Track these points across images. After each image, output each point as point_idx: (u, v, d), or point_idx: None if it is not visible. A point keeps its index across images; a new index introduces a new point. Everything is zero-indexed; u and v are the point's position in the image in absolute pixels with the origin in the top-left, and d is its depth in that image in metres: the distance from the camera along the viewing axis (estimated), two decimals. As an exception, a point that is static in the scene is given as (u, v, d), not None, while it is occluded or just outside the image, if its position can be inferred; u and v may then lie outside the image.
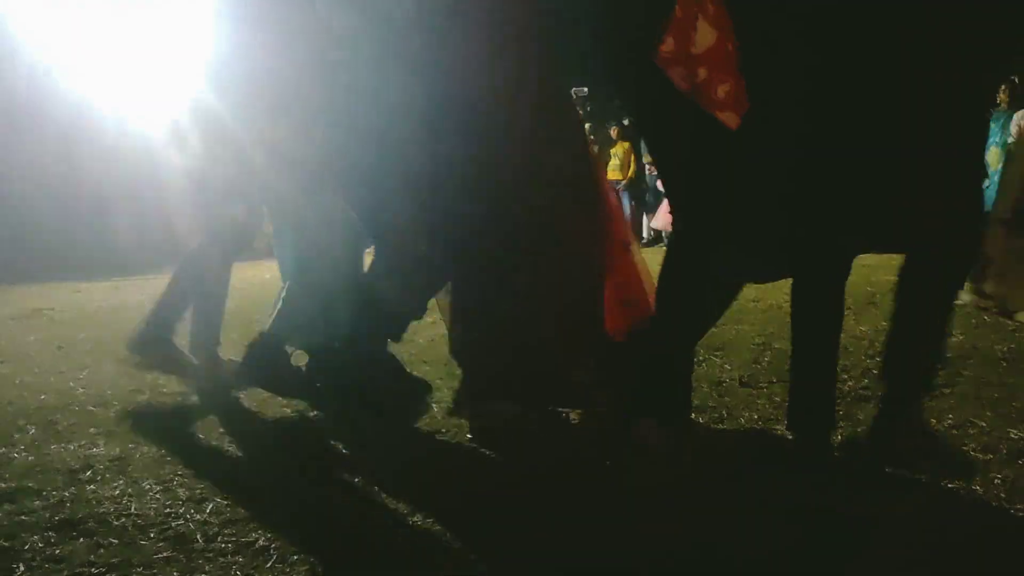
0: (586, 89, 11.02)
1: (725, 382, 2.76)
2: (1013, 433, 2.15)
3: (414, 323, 2.54)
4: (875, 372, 2.77)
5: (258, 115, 2.41)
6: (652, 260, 2.30)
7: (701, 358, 3.13)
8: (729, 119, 1.73)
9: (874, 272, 4.67)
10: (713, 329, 3.76)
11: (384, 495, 1.92)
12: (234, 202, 2.65)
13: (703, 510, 1.77)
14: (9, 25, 8.22)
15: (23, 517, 1.83)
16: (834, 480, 1.87)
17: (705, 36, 1.71)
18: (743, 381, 2.71)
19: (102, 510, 1.86)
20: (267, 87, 2.35)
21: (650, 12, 1.78)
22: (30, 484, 2.03)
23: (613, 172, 11.61)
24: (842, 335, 3.00)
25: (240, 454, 2.26)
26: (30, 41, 8.31)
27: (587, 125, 11.54)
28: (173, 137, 2.59)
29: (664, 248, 2.21)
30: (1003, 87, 7.72)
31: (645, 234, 11.86)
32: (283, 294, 2.72)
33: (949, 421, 2.25)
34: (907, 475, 1.90)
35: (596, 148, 11.39)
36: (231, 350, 3.01)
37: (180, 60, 2.53)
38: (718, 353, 3.22)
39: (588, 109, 11.25)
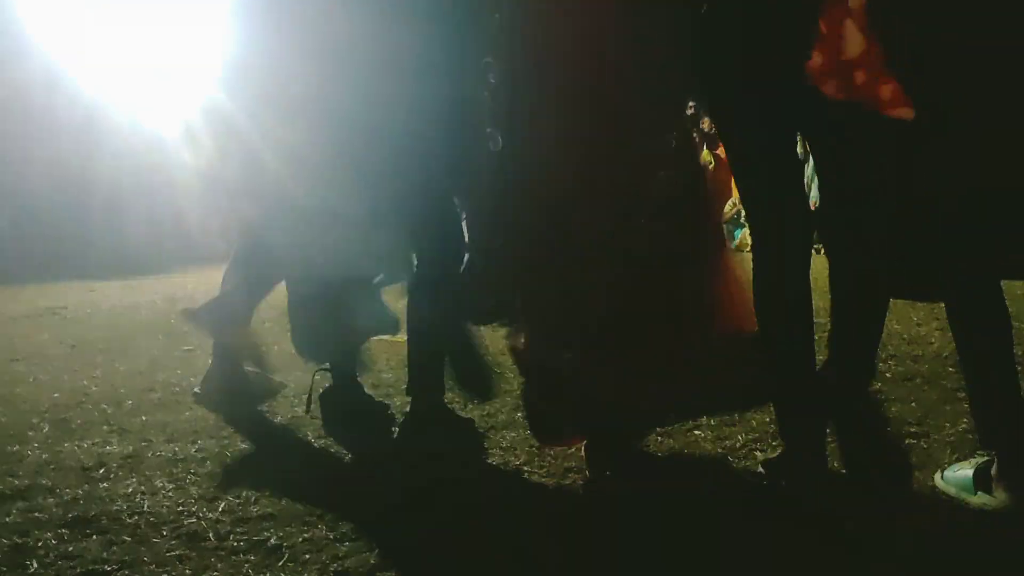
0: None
1: (737, 385, 2.75)
2: (1028, 438, 2.12)
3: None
4: (888, 375, 2.77)
5: (270, 116, 2.41)
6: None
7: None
8: (903, 113, 1.69)
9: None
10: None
11: (397, 495, 1.92)
12: (245, 202, 2.65)
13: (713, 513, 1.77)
14: (24, 25, 8.29)
15: (36, 514, 1.84)
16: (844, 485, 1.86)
17: (854, 42, 1.70)
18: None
19: (115, 508, 1.87)
20: (280, 88, 2.35)
21: (794, 31, 1.74)
22: (43, 481, 2.05)
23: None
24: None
25: (252, 453, 2.27)
26: (45, 41, 8.38)
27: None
28: (185, 137, 2.60)
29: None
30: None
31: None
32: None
33: (964, 425, 2.23)
34: (922, 477, 1.89)
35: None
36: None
37: (193, 60, 2.55)
38: (730, 356, 3.21)
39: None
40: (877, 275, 1.92)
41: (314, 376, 2.62)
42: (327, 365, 2.62)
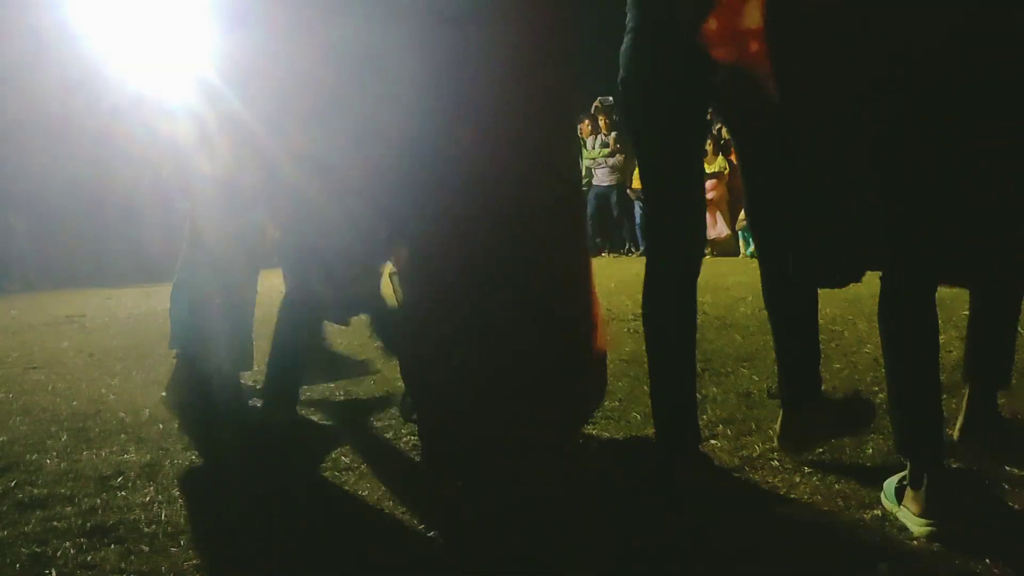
0: (611, 98, 11.06)
1: (753, 394, 2.74)
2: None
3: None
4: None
5: (286, 122, 2.42)
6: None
7: (729, 369, 3.11)
8: (775, 92, 1.79)
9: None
10: (741, 340, 3.75)
11: (411, 504, 1.92)
12: (260, 209, 2.66)
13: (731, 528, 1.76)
14: (41, 35, 8.38)
15: (55, 523, 1.85)
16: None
17: (753, 17, 1.77)
18: (772, 393, 2.68)
19: (132, 517, 1.87)
20: (296, 94, 2.37)
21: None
22: (62, 490, 2.06)
23: (639, 181, 11.54)
24: (875, 347, 2.95)
25: (268, 462, 2.27)
26: (62, 50, 8.46)
27: (613, 134, 11.51)
28: (201, 144, 2.61)
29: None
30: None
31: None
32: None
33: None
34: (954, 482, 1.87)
35: (623, 157, 11.36)
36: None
37: (209, 68, 2.56)
38: (746, 364, 3.19)
39: (614, 118, 11.25)
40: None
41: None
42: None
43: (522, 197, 2.04)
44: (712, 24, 1.80)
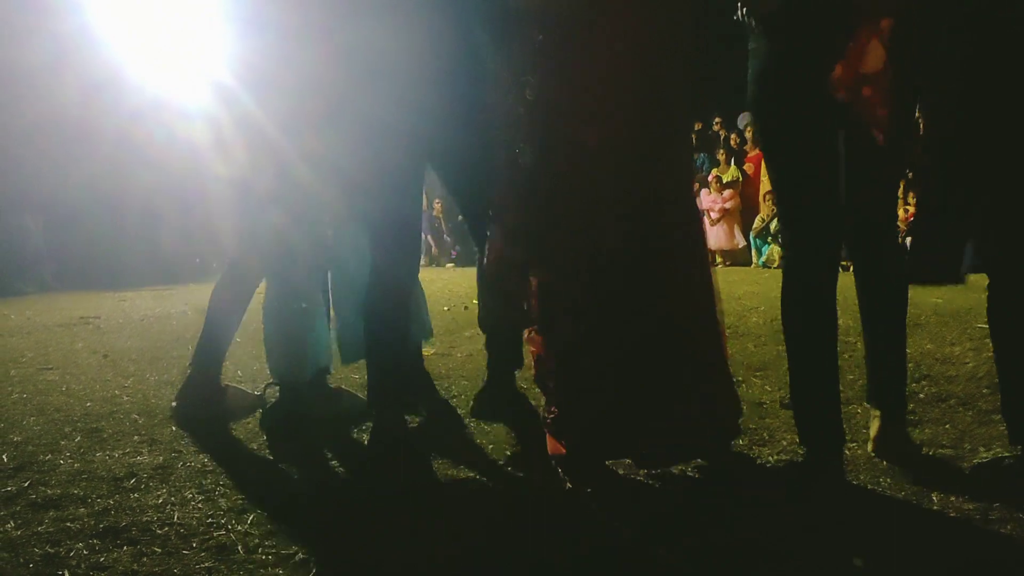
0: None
1: (766, 404, 2.73)
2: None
3: (452, 336, 2.57)
4: (921, 396, 2.72)
5: (301, 125, 2.44)
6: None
7: (740, 379, 3.10)
8: (880, 138, 1.89)
9: (917, 294, 4.58)
10: (753, 349, 3.74)
11: (424, 510, 1.92)
12: (275, 211, 2.67)
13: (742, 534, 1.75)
14: (61, 39, 8.46)
15: (68, 524, 1.86)
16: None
17: (876, 56, 1.84)
18: (784, 403, 2.67)
19: (145, 518, 1.88)
20: (310, 98, 2.38)
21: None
22: (75, 491, 2.07)
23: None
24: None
25: (281, 466, 2.28)
26: (82, 54, 8.54)
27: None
28: (217, 147, 2.63)
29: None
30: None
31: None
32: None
33: (998, 448, 2.19)
34: (944, 491, 1.86)
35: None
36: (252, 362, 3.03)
37: (226, 72, 2.58)
38: (759, 374, 3.18)
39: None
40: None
41: (265, 390, 2.80)
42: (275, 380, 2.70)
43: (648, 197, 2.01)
44: (838, 71, 1.86)
